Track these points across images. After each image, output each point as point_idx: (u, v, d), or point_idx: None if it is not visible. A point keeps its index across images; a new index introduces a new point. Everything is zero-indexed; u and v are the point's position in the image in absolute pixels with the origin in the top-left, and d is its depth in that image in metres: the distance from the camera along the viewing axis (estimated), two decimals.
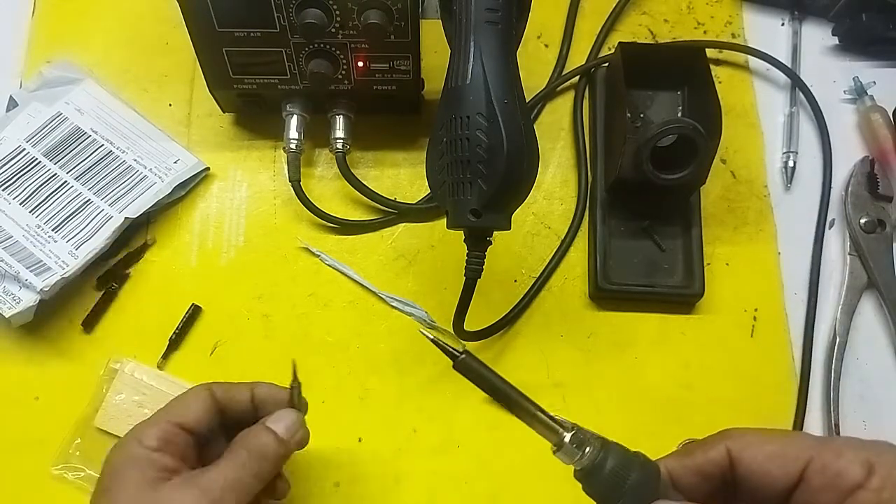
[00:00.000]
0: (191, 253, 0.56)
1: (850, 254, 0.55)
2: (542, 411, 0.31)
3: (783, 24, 0.64)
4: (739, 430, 0.32)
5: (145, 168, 0.56)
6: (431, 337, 0.32)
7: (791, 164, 0.58)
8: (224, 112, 0.58)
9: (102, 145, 0.56)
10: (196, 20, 0.49)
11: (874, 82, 0.60)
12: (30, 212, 0.53)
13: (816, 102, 0.60)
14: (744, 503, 0.31)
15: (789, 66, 0.61)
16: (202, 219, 0.57)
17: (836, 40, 0.62)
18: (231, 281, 0.55)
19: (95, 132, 0.56)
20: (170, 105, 0.60)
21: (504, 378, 0.31)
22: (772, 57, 0.60)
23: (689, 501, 0.30)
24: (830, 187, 0.58)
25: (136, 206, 0.55)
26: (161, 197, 0.55)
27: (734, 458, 0.31)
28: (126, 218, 0.54)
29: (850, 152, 0.59)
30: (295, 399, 0.41)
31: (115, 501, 0.34)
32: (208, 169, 0.58)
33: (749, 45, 0.61)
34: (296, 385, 0.41)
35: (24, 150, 0.55)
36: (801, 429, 0.52)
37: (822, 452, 0.28)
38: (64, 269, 0.52)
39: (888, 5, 0.59)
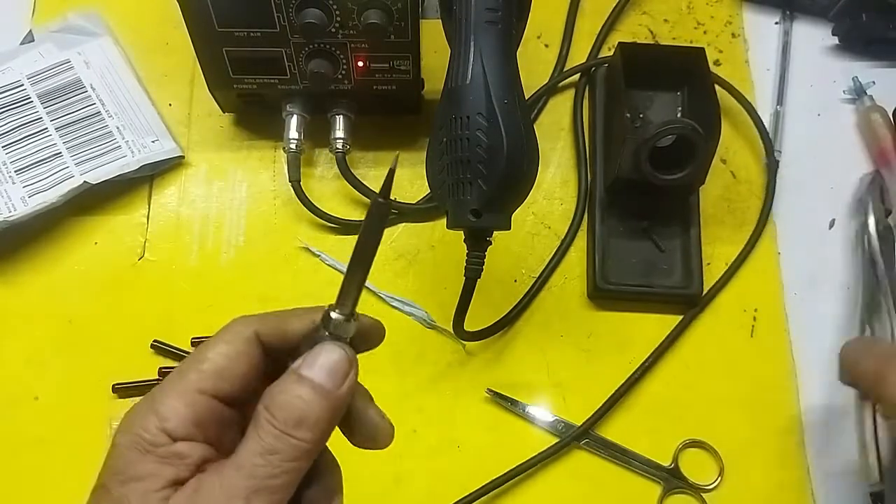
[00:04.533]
0: (191, 253, 0.56)
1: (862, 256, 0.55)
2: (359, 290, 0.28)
3: (777, 24, 0.64)
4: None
5: (123, 138, 0.56)
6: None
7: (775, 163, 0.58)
8: (224, 112, 0.58)
9: (94, 104, 0.57)
10: (196, 20, 0.49)
11: (873, 82, 0.60)
12: (2, 147, 0.54)
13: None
14: None
15: (780, 64, 0.61)
16: (202, 219, 0.57)
17: (835, 40, 0.62)
18: (231, 281, 0.55)
19: (93, 89, 0.57)
20: (170, 105, 0.60)
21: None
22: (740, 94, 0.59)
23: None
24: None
25: (99, 174, 0.55)
26: (126, 171, 0.55)
27: None
28: (85, 182, 0.54)
29: (849, 152, 0.59)
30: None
31: None
32: (182, 157, 0.58)
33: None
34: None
35: (23, 85, 0.56)
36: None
37: None
38: (11, 212, 0.52)
39: (888, 5, 0.59)
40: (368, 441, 0.30)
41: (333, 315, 0.28)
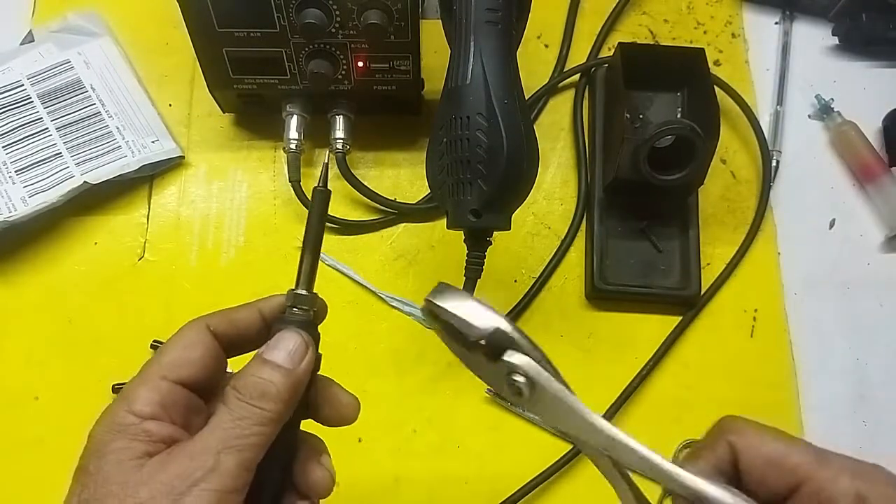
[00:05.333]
0: (191, 253, 0.56)
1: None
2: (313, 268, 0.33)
3: (777, 24, 0.64)
4: (738, 424, 0.31)
5: (123, 139, 0.56)
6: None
7: (774, 163, 0.58)
8: (224, 112, 0.58)
9: (94, 104, 0.57)
10: (196, 20, 0.49)
11: (832, 98, 0.59)
12: (2, 147, 0.54)
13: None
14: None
15: (780, 64, 0.61)
16: (202, 219, 0.57)
17: (835, 40, 0.62)
18: (231, 281, 0.55)
19: (93, 89, 0.57)
20: (170, 105, 0.60)
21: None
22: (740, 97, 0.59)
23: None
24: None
25: (99, 174, 0.55)
26: (126, 171, 0.55)
27: (736, 452, 0.31)
28: (85, 182, 0.54)
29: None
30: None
31: (92, 484, 0.28)
32: (182, 157, 0.58)
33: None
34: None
35: (23, 86, 0.56)
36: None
37: (818, 472, 0.28)
38: (11, 212, 0.52)
39: (888, 5, 0.59)
40: (335, 416, 0.34)
41: (298, 291, 0.32)
